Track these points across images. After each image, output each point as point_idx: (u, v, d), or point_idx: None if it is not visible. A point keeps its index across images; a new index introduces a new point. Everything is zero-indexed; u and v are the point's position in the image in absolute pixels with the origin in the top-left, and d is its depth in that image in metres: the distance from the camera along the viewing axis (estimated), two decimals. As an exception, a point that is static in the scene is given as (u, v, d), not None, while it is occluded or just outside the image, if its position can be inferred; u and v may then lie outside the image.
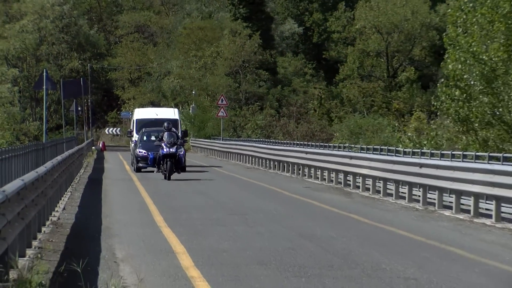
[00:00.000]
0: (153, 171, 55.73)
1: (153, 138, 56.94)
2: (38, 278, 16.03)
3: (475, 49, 52.85)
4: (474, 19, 53.50)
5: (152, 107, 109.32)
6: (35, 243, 22.97)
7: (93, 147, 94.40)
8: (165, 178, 48.36)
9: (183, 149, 59.72)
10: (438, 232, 27.07)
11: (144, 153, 54.07)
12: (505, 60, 51.91)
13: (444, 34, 63.66)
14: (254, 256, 20.39)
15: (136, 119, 65.62)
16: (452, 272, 18.46)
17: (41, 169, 27.49)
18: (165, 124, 48.02)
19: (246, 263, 19.24)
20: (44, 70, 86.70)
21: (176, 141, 47.21)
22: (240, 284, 16.52)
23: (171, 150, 46.81)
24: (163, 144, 46.91)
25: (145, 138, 58.36)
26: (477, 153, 42.04)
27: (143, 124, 63.81)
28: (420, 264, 19.12)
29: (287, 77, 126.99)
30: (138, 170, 57.34)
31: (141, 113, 69.26)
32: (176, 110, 71.84)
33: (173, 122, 62.59)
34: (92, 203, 38.22)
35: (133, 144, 65.96)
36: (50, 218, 30.07)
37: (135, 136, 64.11)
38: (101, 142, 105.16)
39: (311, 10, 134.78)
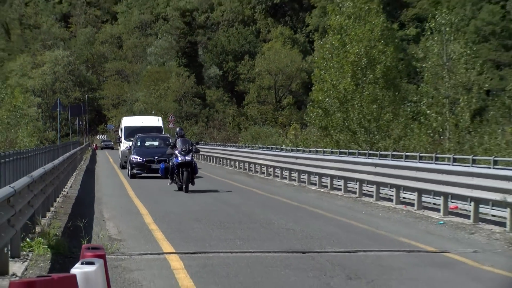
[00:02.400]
0: (143, 176, 41.68)
1: (147, 144, 45.52)
2: (54, 230, 18.01)
3: (334, 82, 57.69)
4: (331, 64, 58.78)
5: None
6: (52, 208, 24.88)
7: (89, 148, 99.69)
8: (179, 189, 33.02)
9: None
10: (307, 199, 29.51)
11: (139, 159, 41.51)
12: (352, 90, 56.95)
13: (312, 74, 69.44)
14: (192, 216, 22.60)
15: (124, 126, 55.84)
16: (316, 225, 20.77)
17: (56, 162, 29.51)
18: (178, 129, 34.95)
19: (186, 220, 21.55)
20: (58, 99, 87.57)
21: (191, 147, 33.33)
22: (182, 233, 18.85)
23: (186, 158, 32.64)
24: (176, 152, 33.08)
25: (139, 144, 44.75)
26: (332, 150, 45.62)
27: (130, 131, 53.49)
28: (296, 220, 21.57)
29: (212, 102, 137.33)
30: (133, 176, 42.31)
31: (129, 121, 59.20)
32: (159, 118, 61.55)
33: (158, 129, 55.52)
34: (89, 183, 40.71)
35: (121, 148, 54.20)
36: (61, 192, 32.04)
37: (124, 142, 52.91)
38: (94, 144, 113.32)
39: (227, 60, 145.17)
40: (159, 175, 37.49)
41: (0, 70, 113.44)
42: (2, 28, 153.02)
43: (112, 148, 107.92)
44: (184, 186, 32.07)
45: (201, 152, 58.48)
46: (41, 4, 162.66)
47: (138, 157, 42.96)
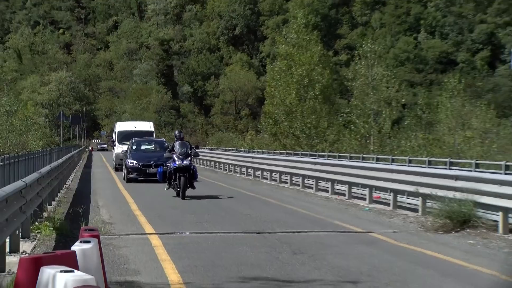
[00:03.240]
0: (140, 180, 33.99)
1: (143, 147, 37.65)
2: (58, 216, 17.71)
3: (281, 97, 57.64)
4: (280, 83, 58.53)
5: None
6: (56, 198, 24.35)
7: (86, 150, 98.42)
8: (177, 195, 25.90)
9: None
10: (261, 191, 29.26)
11: (136, 163, 34.19)
12: (296, 104, 56.84)
13: (264, 91, 70.27)
14: (169, 205, 22.35)
15: (118, 131, 49.02)
16: (268, 211, 20.71)
17: (60, 161, 28.86)
18: (176, 132, 28.19)
19: (165, 208, 21.42)
20: (61, 110, 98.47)
21: (190, 151, 26.52)
22: (160, 217, 18.70)
23: (184, 162, 25.67)
24: (174, 156, 26.20)
25: (134, 147, 37.34)
26: (280, 151, 46.05)
27: (124, 135, 46.97)
28: (252, 207, 21.48)
29: (185, 113, 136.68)
30: (129, 181, 34.86)
31: (122, 125, 52.14)
32: (151, 123, 53.82)
33: (149, 133, 48.09)
34: (86, 178, 40.00)
35: (115, 151, 46.96)
36: (64, 185, 31.12)
37: (118, 146, 46.11)
38: (90, 147, 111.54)
39: (197, 79, 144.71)
40: (156, 179, 30.29)
41: (13, 87, 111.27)
42: (15, 53, 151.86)
43: (106, 150, 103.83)
44: (180, 192, 24.97)
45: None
46: (47, 34, 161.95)
47: (135, 162, 35.00)
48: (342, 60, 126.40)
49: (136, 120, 72.07)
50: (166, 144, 35.98)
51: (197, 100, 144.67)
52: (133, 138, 39.73)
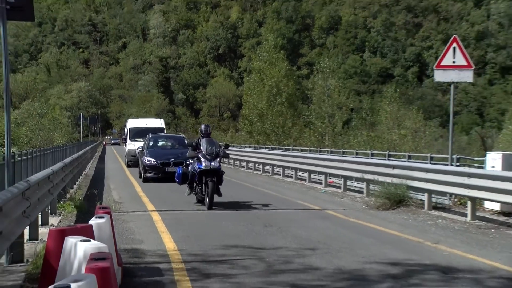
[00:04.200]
0: (158, 179, 25.09)
1: (160, 144, 29.23)
2: (78, 196, 17.64)
3: (255, 103, 57.46)
4: (254, 92, 58.33)
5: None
6: (77, 182, 23.92)
7: (101, 144, 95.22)
8: (199, 201, 17.17)
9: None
10: (239, 176, 28.69)
11: (153, 161, 25.78)
12: (267, 108, 56.55)
13: (242, 98, 70.15)
14: (168, 188, 21.71)
15: (129, 128, 41.69)
16: (245, 192, 20.38)
17: (80, 153, 29.07)
18: (203, 126, 17.98)
19: (163, 191, 20.96)
20: (81, 113, 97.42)
21: (219, 151, 16.85)
22: (160, 198, 18.24)
23: (213, 164, 16.25)
24: (200, 156, 16.53)
25: (151, 144, 28.73)
26: (255, 146, 45.31)
27: (135, 132, 39.84)
28: (232, 189, 20.41)
29: (179, 116, 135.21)
30: (145, 180, 25.87)
31: (133, 122, 43.80)
32: (162, 120, 45.21)
33: (160, 130, 39.41)
34: (100, 166, 39.19)
35: (127, 148, 39.17)
36: (83, 172, 30.82)
37: (129, 142, 38.67)
38: (104, 142, 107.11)
39: (189, 89, 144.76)
40: (174, 180, 20.52)
41: (43, 94, 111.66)
42: (45, 68, 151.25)
43: (118, 144, 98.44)
44: (207, 201, 16.10)
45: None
46: (70, 52, 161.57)
47: (152, 159, 25.95)
48: (303, 74, 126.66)
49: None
50: (185, 141, 27.79)
51: (189, 105, 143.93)
52: (150, 134, 30.27)
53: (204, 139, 16.79)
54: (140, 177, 26.62)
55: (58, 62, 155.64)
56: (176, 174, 18.01)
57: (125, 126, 46.37)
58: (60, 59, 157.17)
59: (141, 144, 31.57)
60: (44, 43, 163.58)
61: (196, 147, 16.79)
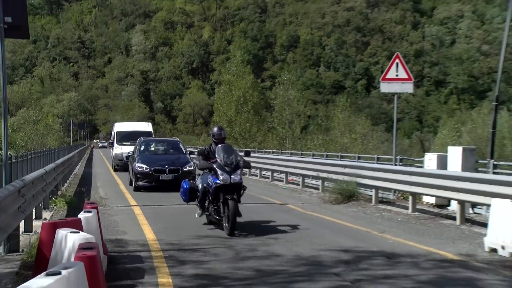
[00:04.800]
0: (152, 187, 19.64)
1: (152, 148, 22.41)
2: (68, 193, 17.16)
3: (225, 111, 57.14)
4: (224, 101, 57.81)
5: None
6: (68, 181, 23.44)
7: (89, 147, 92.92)
8: (211, 222, 11.37)
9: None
10: None
11: (145, 168, 19.76)
12: (235, 116, 56.13)
13: (213, 106, 68.70)
14: (147, 186, 19.46)
15: (116, 131, 35.33)
16: None
17: (70, 155, 28.87)
18: (215, 130, 11.60)
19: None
20: (71, 120, 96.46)
21: (239, 160, 10.53)
22: (141, 194, 17.78)
23: (233, 178, 10.10)
24: (215, 167, 10.26)
25: (143, 148, 22.03)
26: (241, 148, 52.55)
27: (122, 135, 34.04)
28: None
29: (159, 122, 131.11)
30: (137, 189, 19.94)
31: (120, 126, 37.34)
32: (149, 124, 38.80)
33: (148, 135, 32.74)
34: (89, 166, 38.38)
35: (114, 152, 33.09)
36: (73, 172, 30.07)
37: (116, 146, 32.83)
38: (92, 145, 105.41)
39: (167, 98, 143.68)
40: (168, 187, 18.82)
41: (38, 103, 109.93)
42: (39, 80, 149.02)
43: (105, 147, 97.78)
44: (227, 225, 10.60)
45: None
46: (62, 66, 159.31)
47: (144, 166, 20.10)
48: (267, 85, 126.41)
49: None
50: (180, 145, 22.15)
51: (166, 113, 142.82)
52: (141, 138, 23.95)
53: (219, 146, 11.40)
54: (130, 184, 20.91)
55: (50, 75, 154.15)
56: (182, 189, 12.28)
57: (112, 130, 39.25)
58: (53, 72, 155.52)
59: (129, 148, 27.66)
60: (38, 58, 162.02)
61: (208, 156, 11.52)
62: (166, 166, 19.69)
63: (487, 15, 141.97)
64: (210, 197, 11.13)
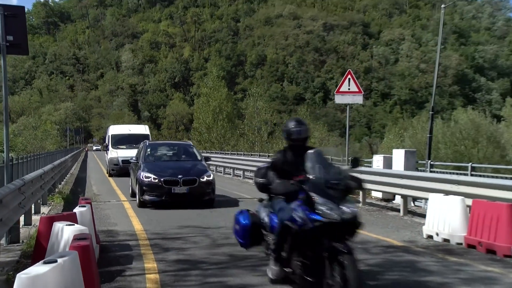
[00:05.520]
0: (162, 203, 12.70)
1: (160, 153, 14.85)
2: (65, 190, 16.99)
3: (203, 119, 56.15)
4: (203, 110, 56.97)
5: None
6: (64, 179, 22.75)
7: (84, 150, 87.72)
8: (289, 282, 4.41)
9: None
10: None
11: (154, 179, 12.55)
12: (212, 123, 55.23)
13: (193, 115, 68.85)
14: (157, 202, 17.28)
15: (111, 134, 28.69)
16: None
17: (66, 157, 28.08)
18: (292, 125, 4.63)
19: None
20: (68, 126, 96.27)
21: (347, 177, 3.78)
22: (128, 188, 15.78)
23: (345, 210, 3.46)
24: (307, 189, 3.57)
25: (148, 153, 14.51)
26: (203, 151, 39.68)
27: (117, 138, 27.92)
28: None
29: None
30: (143, 205, 12.91)
31: (116, 129, 29.99)
32: (146, 126, 32.28)
33: (144, 138, 24.85)
34: (83, 167, 37.55)
35: (109, 156, 27.13)
36: (70, 172, 29.35)
37: (111, 150, 26.83)
38: (86, 149, 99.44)
39: (153, 108, 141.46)
40: (183, 203, 13.33)
41: (37, 112, 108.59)
42: (38, 91, 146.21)
43: (99, 150, 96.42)
44: None
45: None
46: (58, 79, 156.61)
47: (152, 176, 13.36)
48: (239, 97, 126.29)
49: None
50: (194, 149, 16.19)
51: (152, 121, 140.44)
52: (146, 141, 17.00)
53: (311, 153, 4.96)
54: (132, 197, 15.07)
55: (48, 87, 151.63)
56: (237, 226, 6.62)
57: (106, 133, 31.51)
58: (50, 85, 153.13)
59: (124, 152, 23.85)
60: (37, 72, 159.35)
61: (283, 170, 5.40)
62: (180, 177, 13.39)
63: (423, 38, 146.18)
64: (294, 244, 5.00)
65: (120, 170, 24.12)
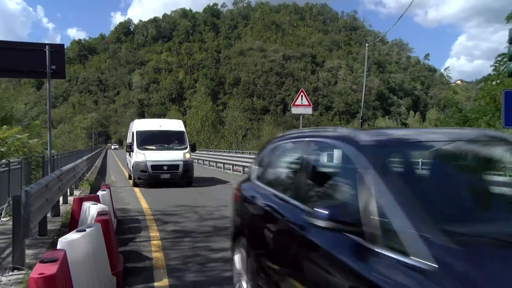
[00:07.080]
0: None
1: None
2: (90, 179, 16.10)
3: (194, 125, 54.68)
4: (193, 119, 55.63)
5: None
6: (90, 170, 21.99)
7: (105, 148, 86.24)
8: None
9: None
10: None
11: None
12: (200, 129, 54.00)
13: (186, 122, 59.50)
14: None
15: (136, 131, 13.77)
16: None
17: (92, 153, 27.40)
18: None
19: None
20: (92, 131, 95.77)
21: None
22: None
23: None
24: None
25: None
26: (199, 149, 50.59)
27: (145, 136, 13.74)
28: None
29: None
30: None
31: (142, 124, 14.56)
32: (181, 121, 15.24)
33: (179, 135, 14.49)
34: (104, 162, 36.27)
35: (134, 160, 13.50)
36: (94, 164, 28.38)
37: (137, 151, 13.15)
38: (106, 147, 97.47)
39: (155, 118, 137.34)
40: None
41: (71, 120, 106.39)
42: (71, 105, 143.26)
43: (117, 149, 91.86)
44: None
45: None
46: (86, 96, 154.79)
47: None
48: (220, 109, 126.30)
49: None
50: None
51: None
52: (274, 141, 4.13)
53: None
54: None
55: (79, 102, 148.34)
56: None
57: (129, 129, 17.99)
58: (80, 100, 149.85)
59: (155, 154, 14.11)
60: (71, 91, 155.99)
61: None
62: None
63: (354, 67, 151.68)
64: None
65: (150, 178, 14.00)
